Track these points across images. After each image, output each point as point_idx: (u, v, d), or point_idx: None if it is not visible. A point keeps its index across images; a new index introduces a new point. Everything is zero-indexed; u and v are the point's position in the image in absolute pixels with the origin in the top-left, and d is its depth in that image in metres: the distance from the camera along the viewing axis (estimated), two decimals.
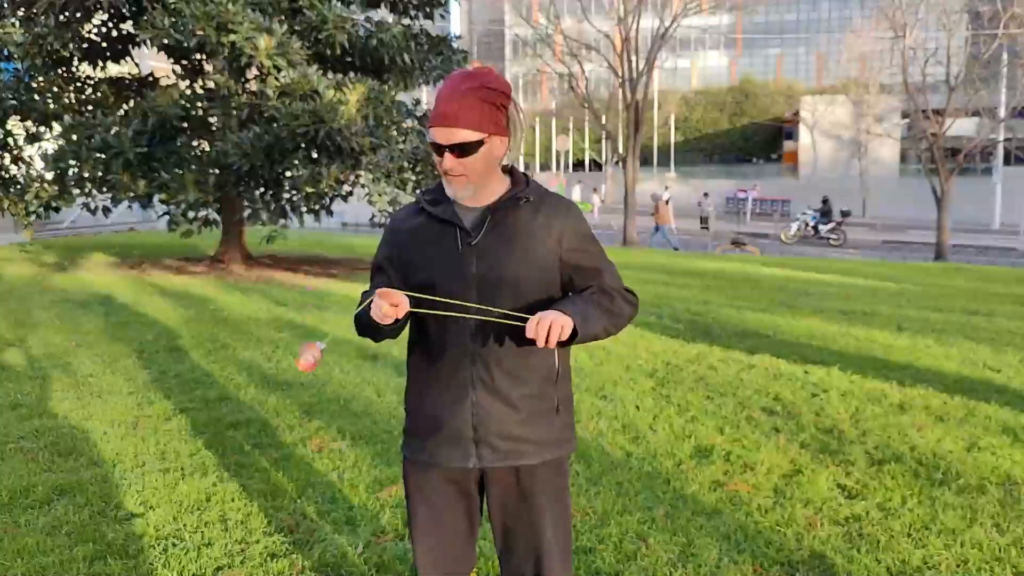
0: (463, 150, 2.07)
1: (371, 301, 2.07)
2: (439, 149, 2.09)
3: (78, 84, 13.60)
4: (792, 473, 4.41)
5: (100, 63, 13.82)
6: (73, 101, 12.84)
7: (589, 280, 2.23)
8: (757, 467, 4.48)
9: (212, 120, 12.78)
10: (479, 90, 2.06)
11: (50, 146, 12.74)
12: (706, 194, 36.99)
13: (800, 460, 4.60)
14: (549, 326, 1.98)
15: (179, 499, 4.02)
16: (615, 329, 2.21)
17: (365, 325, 2.20)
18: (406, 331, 2.30)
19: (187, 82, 13.16)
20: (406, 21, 14.38)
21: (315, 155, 11.77)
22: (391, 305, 2.00)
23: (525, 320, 2.04)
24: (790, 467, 4.49)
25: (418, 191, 2.21)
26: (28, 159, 13.34)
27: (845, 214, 29.16)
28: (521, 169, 2.31)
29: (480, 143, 2.07)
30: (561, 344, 2.04)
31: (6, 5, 12.54)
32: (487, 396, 2.15)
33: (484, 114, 2.06)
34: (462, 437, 2.17)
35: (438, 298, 2.12)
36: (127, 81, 14.17)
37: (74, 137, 11.56)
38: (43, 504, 3.97)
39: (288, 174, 12.17)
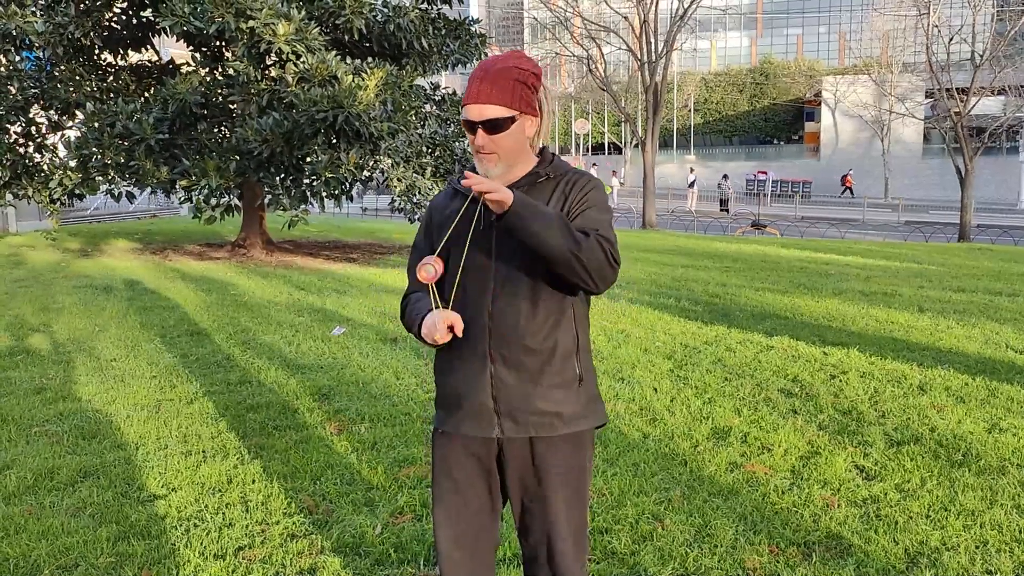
0: (494, 127, 2.11)
1: (426, 315, 2.18)
2: (471, 127, 2.13)
3: (99, 72, 13.70)
4: (810, 454, 4.40)
5: (121, 51, 13.92)
6: (95, 89, 12.94)
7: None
8: (774, 448, 4.47)
9: (232, 106, 12.84)
10: (511, 69, 2.11)
11: (73, 134, 12.85)
12: (725, 176, 36.83)
13: (818, 441, 4.59)
14: (487, 185, 1.94)
15: (201, 481, 4.08)
16: (575, 263, 2.04)
17: (410, 324, 2.29)
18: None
19: (207, 69, 13.21)
20: (424, 5, 14.36)
21: (334, 140, 11.81)
22: (447, 328, 2.12)
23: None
24: (808, 448, 4.49)
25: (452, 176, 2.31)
26: (51, 147, 13.47)
27: None
28: None
29: (511, 120, 2.12)
30: (498, 217, 2.01)
31: None
32: (505, 369, 2.18)
33: (515, 93, 2.11)
34: (484, 409, 2.21)
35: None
36: (148, 68, 14.26)
37: (96, 125, 11.66)
38: (67, 486, 4.04)
39: (308, 160, 12.22)
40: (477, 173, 2.23)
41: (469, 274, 2.19)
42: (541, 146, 2.27)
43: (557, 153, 2.33)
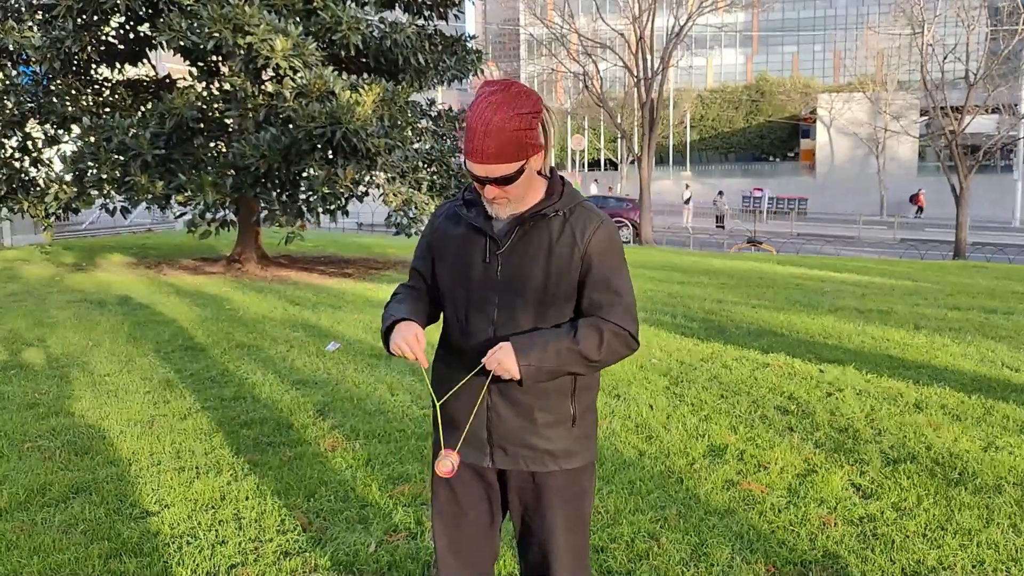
0: (505, 180, 2.06)
1: (396, 322, 2.20)
2: (480, 180, 2.08)
3: (96, 87, 13.71)
4: (806, 472, 4.39)
5: (118, 65, 13.93)
6: (91, 103, 12.95)
7: (597, 302, 2.17)
8: (771, 466, 4.46)
9: (229, 122, 12.86)
10: (511, 120, 1.99)
11: (69, 148, 12.85)
12: (721, 193, 36.95)
13: (814, 459, 4.57)
14: (498, 364, 2.08)
15: (194, 497, 4.05)
16: (587, 372, 2.18)
17: (384, 318, 2.29)
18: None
19: (204, 84, 13.23)
20: (420, 22, 14.42)
21: (331, 156, 11.82)
22: (409, 346, 2.13)
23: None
24: (804, 466, 4.47)
25: (461, 191, 2.29)
26: (47, 161, 13.46)
27: None
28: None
29: (520, 171, 2.06)
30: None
31: (24, 9, 12.66)
32: (502, 404, 2.20)
33: (520, 143, 2.02)
34: (478, 438, 2.23)
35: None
36: (144, 83, 14.28)
37: (92, 139, 11.65)
38: (59, 502, 4.01)
39: (304, 175, 12.23)
40: (479, 203, 2.21)
41: (472, 305, 2.20)
42: (550, 167, 2.22)
43: (555, 169, 2.30)
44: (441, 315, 2.36)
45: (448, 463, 2.15)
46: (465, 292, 2.20)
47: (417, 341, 2.12)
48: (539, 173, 2.18)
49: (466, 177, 13.60)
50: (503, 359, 2.06)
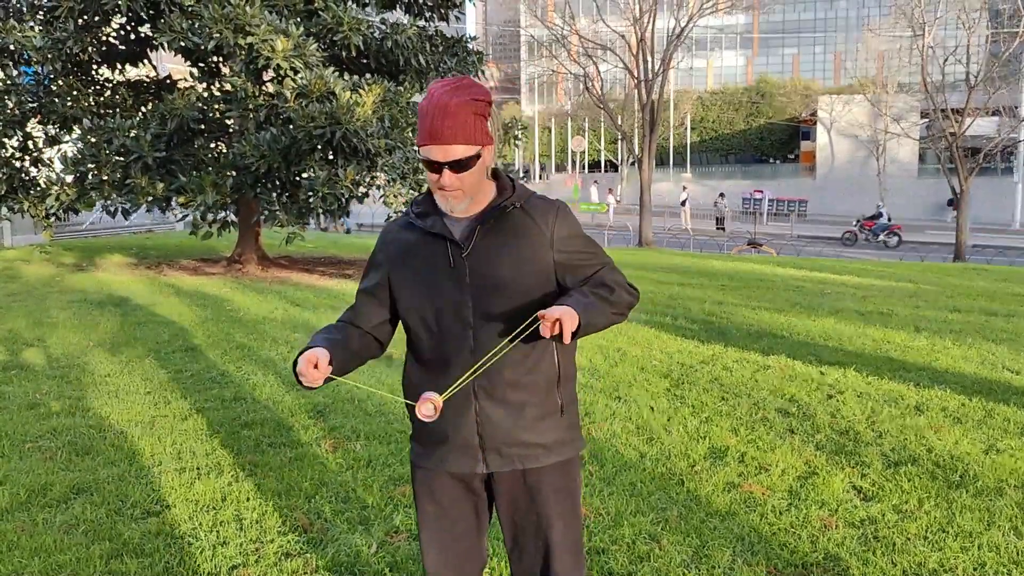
0: (461, 166, 2.05)
1: (304, 351, 2.08)
2: (436, 166, 2.06)
3: (97, 87, 13.71)
4: (807, 475, 4.39)
5: (119, 66, 13.94)
6: (92, 104, 12.95)
7: (584, 275, 2.21)
8: (772, 468, 4.46)
9: (229, 122, 12.86)
10: (469, 103, 2.03)
11: (69, 149, 12.85)
12: (722, 194, 36.94)
13: (815, 461, 4.57)
14: (558, 320, 1.94)
15: (195, 498, 4.05)
16: (617, 319, 2.19)
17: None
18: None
19: (204, 84, 13.24)
20: (421, 22, 14.42)
21: (331, 157, 11.82)
22: (312, 372, 2.01)
23: (532, 329, 2.05)
24: (805, 468, 4.47)
25: (411, 204, 2.26)
26: (48, 162, 13.46)
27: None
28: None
29: (477, 156, 2.06)
30: (573, 335, 2.02)
31: (25, 10, 12.67)
32: (490, 405, 2.16)
33: (476, 127, 2.05)
34: (469, 445, 2.19)
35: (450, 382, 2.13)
36: (145, 84, 14.28)
37: (93, 140, 11.66)
38: (60, 503, 4.01)
39: (305, 175, 12.23)
40: (435, 206, 2.20)
41: (445, 312, 2.15)
42: (494, 169, 2.22)
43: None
44: (387, 340, 2.33)
45: (430, 405, 2.00)
46: (432, 302, 2.15)
47: (308, 365, 2.01)
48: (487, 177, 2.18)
49: None
50: (560, 315, 1.94)
